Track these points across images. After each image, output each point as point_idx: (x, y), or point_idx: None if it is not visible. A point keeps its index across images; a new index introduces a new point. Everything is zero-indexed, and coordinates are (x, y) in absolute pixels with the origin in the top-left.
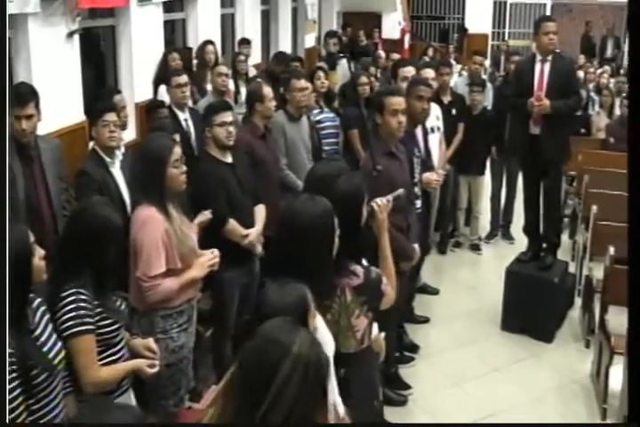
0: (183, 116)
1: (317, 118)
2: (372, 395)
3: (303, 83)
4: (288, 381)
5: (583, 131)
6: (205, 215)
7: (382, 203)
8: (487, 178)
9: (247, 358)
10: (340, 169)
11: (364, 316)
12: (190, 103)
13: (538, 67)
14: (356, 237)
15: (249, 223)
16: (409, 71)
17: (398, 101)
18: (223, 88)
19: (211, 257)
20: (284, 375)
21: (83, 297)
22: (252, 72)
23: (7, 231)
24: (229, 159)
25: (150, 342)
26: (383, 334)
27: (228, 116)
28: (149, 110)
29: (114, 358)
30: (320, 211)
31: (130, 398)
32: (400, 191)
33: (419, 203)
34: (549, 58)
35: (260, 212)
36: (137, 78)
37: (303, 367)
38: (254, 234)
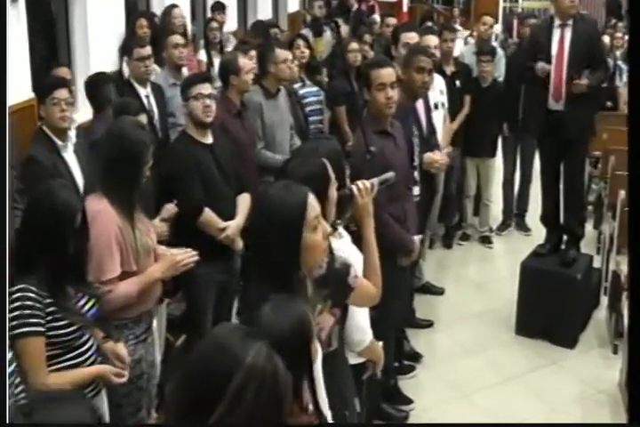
0: (144, 92)
1: (299, 93)
2: (342, 405)
3: (283, 53)
4: (241, 392)
5: (609, 104)
6: (169, 210)
7: (364, 186)
8: (498, 160)
9: (195, 366)
10: (332, 148)
11: (329, 313)
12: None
13: (557, 33)
14: None
15: (229, 214)
16: (412, 37)
17: (386, 73)
18: (180, 61)
19: (185, 256)
20: (237, 387)
21: (30, 295)
22: (230, 42)
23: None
24: (209, 140)
25: (118, 347)
26: (381, 343)
27: (205, 88)
28: (92, 86)
29: (75, 362)
30: (293, 200)
31: (101, 402)
32: (389, 175)
33: (417, 189)
34: (570, 22)
35: (244, 201)
36: (93, 49)
37: (258, 381)
38: (233, 227)
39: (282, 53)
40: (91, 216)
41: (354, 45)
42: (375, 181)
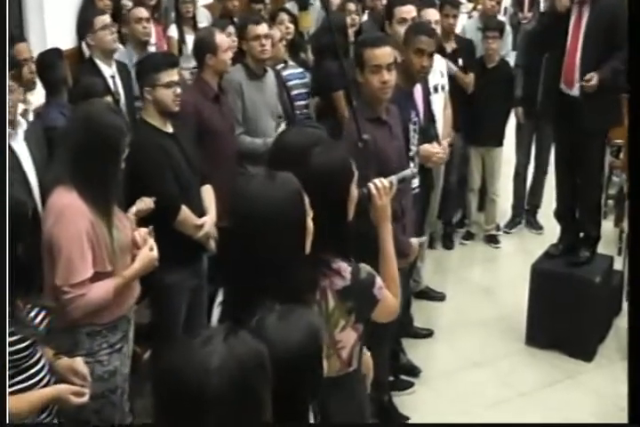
0: (109, 71)
1: (283, 74)
2: None
3: (263, 28)
4: (219, 399)
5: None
6: (146, 203)
7: (383, 184)
8: (506, 150)
9: (164, 382)
10: (318, 138)
11: (352, 328)
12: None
13: (574, 10)
14: (340, 226)
15: (199, 209)
16: (408, 11)
17: (382, 54)
18: (145, 37)
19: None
20: (213, 396)
21: None
22: (205, 16)
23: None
24: (170, 128)
25: (77, 362)
26: (369, 353)
27: (174, 75)
28: (44, 65)
29: (28, 384)
30: (283, 192)
31: None
32: (407, 172)
33: (416, 182)
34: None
35: (209, 194)
36: (49, 21)
37: (232, 380)
38: (209, 223)
39: (260, 29)
40: (57, 211)
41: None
42: (394, 178)
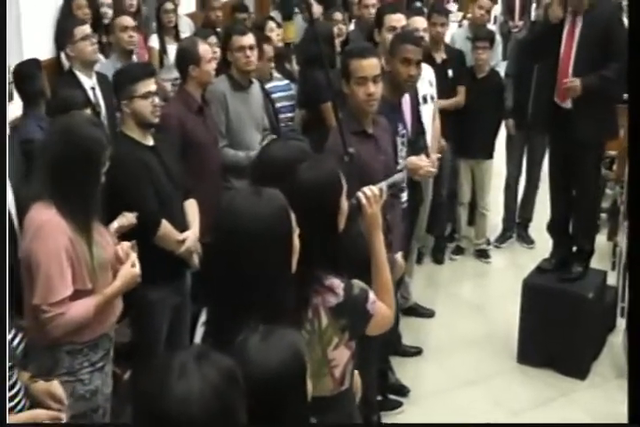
0: (89, 83)
1: (267, 87)
2: None
3: (248, 39)
4: (201, 424)
5: (627, 97)
6: (128, 218)
7: (372, 193)
8: (496, 163)
9: (142, 416)
10: (302, 152)
11: (345, 346)
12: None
13: (568, 19)
14: (331, 241)
15: (181, 224)
16: (398, 20)
17: (368, 65)
18: (130, 47)
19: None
20: (195, 423)
21: None
22: (188, 26)
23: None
24: (150, 141)
25: (54, 386)
26: (357, 372)
27: (152, 85)
28: (22, 75)
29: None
30: (269, 208)
31: None
32: (398, 176)
33: (404, 196)
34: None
35: (193, 208)
36: (26, 31)
37: (211, 406)
38: (192, 238)
39: (245, 40)
40: (35, 228)
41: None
42: (384, 185)
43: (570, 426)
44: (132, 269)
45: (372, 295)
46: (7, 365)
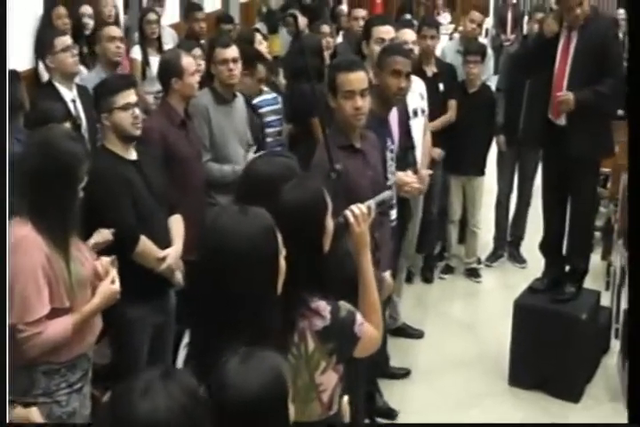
0: (70, 95)
1: (254, 102)
2: None
3: (231, 52)
4: None
5: (621, 113)
6: (103, 235)
7: (360, 211)
8: (487, 179)
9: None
10: (288, 168)
11: (333, 370)
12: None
13: (563, 34)
14: (317, 263)
15: (164, 241)
16: (387, 32)
17: (355, 79)
18: (117, 57)
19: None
20: None
21: None
22: (171, 37)
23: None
24: (133, 155)
25: (33, 413)
26: (346, 398)
27: (131, 96)
28: None
29: None
30: (256, 228)
31: None
32: (386, 194)
33: (394, 213)
34: (579, 24)
35: (177, 224)
36: (12, 41)
37: (181, 418)
38: (173, 255)
39: (228, 53)
40: (11, 244)
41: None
42: (372, 203)
43: (570, 426)
44: (111, 285)
45: (359, 317)
46: (7, 365)
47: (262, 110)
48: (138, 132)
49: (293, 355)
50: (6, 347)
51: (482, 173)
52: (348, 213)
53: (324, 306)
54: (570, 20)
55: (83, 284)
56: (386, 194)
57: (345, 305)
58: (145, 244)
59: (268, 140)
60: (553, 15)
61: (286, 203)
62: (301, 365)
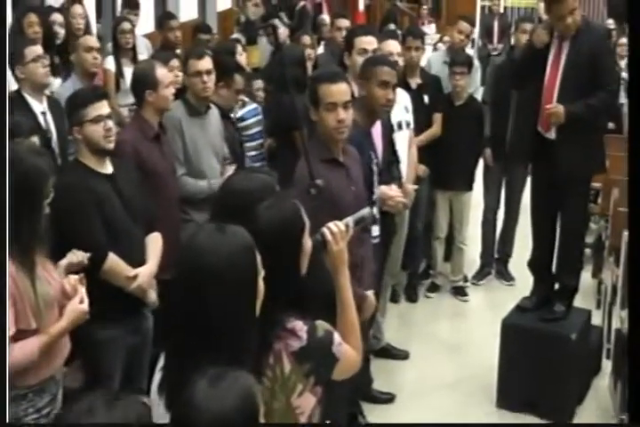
0: (40, 107)
1: (239, 114)
2: None
3: (205, 64)
4: None
5: (612, 126)
6: (77, 256)
7: (338, 228)
8: (476, 194)
9: None
10: (265, 185)
11: (311, 392)
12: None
13: (554, 44)
14: (293, 282)
15: (138, 259)
16: (370, 42)
17: (338, 91)
18: (94, 68)
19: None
20: None
21: None
22: (145, 47)
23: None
24: (109, 169)
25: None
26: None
27: (103, 108)
28: None
29: None
30: (234, 246)
31: None
32: (365, 211)
33: (376, 230)
34: (570, 34)
35: (155, 243)
36: None
37: None
38: (145, 274)
39: (202, 65)
40: None
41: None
42: (350, 220)
43: (570, 426)
44: (79, 305)
45: (337, 337)
46: (7, 365)
47: (247, 122)
48: (110, 146)
49: (269, 378)
50: (6, 347)
51: (470, 187)
52: (325, 230)
53: (300, 326)
54: (561, 30)
55: (50, 304)
56: (364, 211)
57: (323, 324)
58: (113, 261)
59: (252, 153)
60: (543, 25)
61: (262, 222)
62: (277, 387)
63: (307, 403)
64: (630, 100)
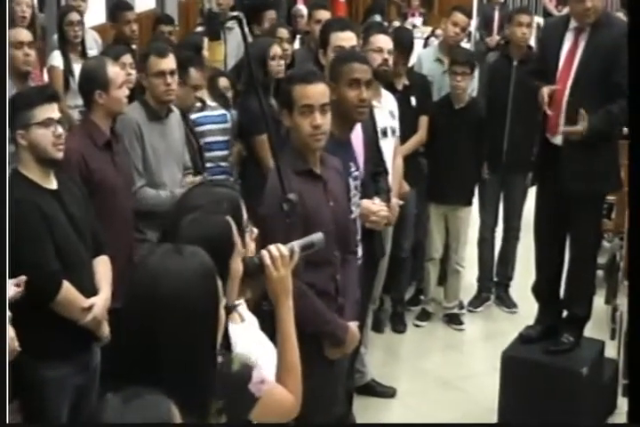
0: None
1: (193, 117)
2: None
3: (168, 63)
4: None
5: (626, 132)
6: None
7: (279, 252)
8: (475, 210)
9: None
10: (217, 202)
11: None
12: None
13: (569, 38)
14: None
15: (88, 287)
16: (348, 39)
17: (313, 92)
18: (26, 67)
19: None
20: None
21: None
22: (94, 41)
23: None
24: (53, 184)
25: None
26: None
27: (53, 111)
28: None
29: None
30: (192, 270)
31: None
32: (316, 236)
33: (359, 251)
34: (588, 27)
35: (104, 267)
36: None
37: None
38: (100, 304)
39: (164, 64)
40: None
41: (276, 50)
42: (295, 245)
43: (570, 426)
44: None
45: (257, 374)
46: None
47: (203, 128)
48: (59, 155)
49: None
50: (6, 348)
51: (469, 202)
52: (264, 252)
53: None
54: (579, 16)
55: None
56: (315, 236)
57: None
58: (69, 291)
59: (210, 165)
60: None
61: (182, 238)
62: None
63: None
64: (631, 99)
